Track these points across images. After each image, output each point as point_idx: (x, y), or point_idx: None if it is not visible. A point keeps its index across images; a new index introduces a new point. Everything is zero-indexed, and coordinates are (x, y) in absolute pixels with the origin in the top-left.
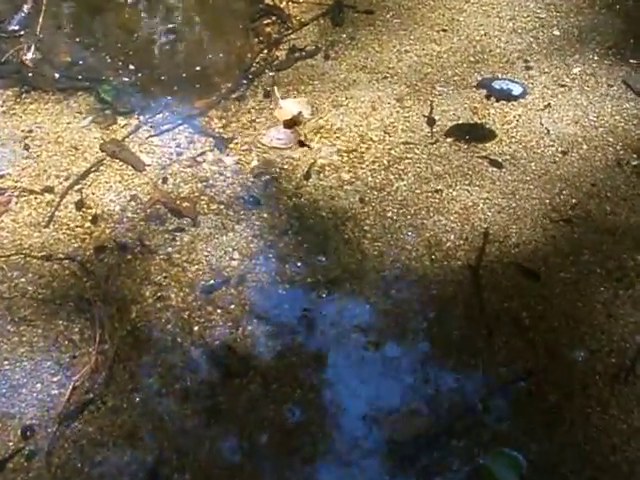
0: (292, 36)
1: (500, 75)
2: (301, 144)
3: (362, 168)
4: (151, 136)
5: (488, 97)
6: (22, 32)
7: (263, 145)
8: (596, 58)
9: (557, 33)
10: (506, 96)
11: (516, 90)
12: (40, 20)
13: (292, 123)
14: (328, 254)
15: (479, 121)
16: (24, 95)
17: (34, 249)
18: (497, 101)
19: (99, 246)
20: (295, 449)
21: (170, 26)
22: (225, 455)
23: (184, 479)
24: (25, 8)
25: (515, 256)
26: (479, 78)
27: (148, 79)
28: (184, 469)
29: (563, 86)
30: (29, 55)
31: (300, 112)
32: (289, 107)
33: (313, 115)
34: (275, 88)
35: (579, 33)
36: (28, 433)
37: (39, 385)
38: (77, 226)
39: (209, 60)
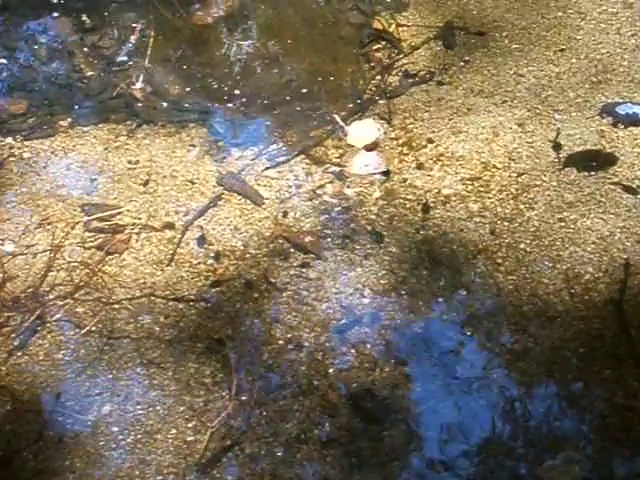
0: (403, 61)
1: (625, 97)
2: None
3: (489, 197)
4: (267, 168)
5: (615, 124)
6: (130, 63)
7: (360, 175)
8: None
9: None
10: (633, 121)
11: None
12: (148, 52)
13: (373, 146)
14: (462, 290)
15: (607, 144)
16: (136, 129)
17: (158, 288)
18: (625, 127)
19: (224, 284)
20: None
21: (279, 55)
22: None
23: None
24: (132, 39)
25: None
26: (603, 99)
27: (260, 109)
28: None
29: None
30: (138, 86)
31: (376, 133)
32: (358, 131)
33: (386, 133)
34: (336, 115)
35: None
36: None
37: (174, 431)
38: (200, 263)
39: (321, 88)
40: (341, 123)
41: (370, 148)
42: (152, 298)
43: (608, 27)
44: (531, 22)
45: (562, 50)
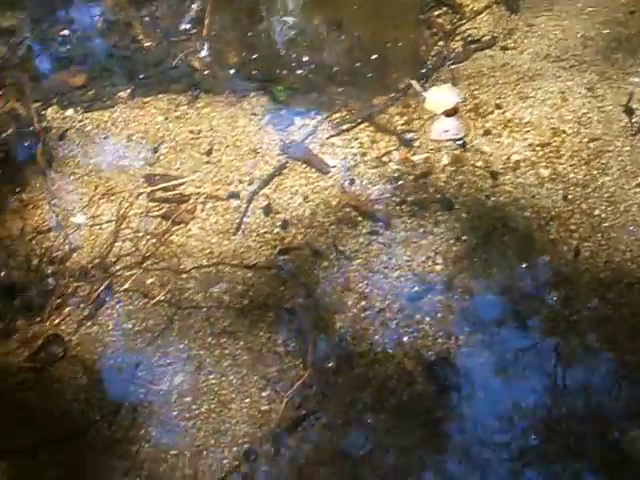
0: (466, 26)
1: None
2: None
3: (561, 163)
4: (331, 136)
5: None
6: (189, 33)
7: (439, 141)
8: None
9: None
10: None
11: None
12: (206, 21)
13: (453, 112)
14: (536, 257)
15: None
16: (197, 99)
17: (226, 257)
18: None
19: (292, 252)
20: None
21: (340, 21)
22: (446, 474)
23: None
24: (194, 6)
25: None
26: None
27: (322, 76)
28: None
29: None
30: (199, 55)
31: (455, 98)
32: (436, 96)
33: (465, 98)
34: (414, 81)
35: None
36: (249, 456)
37: (248, 400)
38: (267, 232)
39: (383, 55)
40: (419, 89)
41: (450, 114)
42: (220, 267)
43: None
44: None
45: (632, 12)
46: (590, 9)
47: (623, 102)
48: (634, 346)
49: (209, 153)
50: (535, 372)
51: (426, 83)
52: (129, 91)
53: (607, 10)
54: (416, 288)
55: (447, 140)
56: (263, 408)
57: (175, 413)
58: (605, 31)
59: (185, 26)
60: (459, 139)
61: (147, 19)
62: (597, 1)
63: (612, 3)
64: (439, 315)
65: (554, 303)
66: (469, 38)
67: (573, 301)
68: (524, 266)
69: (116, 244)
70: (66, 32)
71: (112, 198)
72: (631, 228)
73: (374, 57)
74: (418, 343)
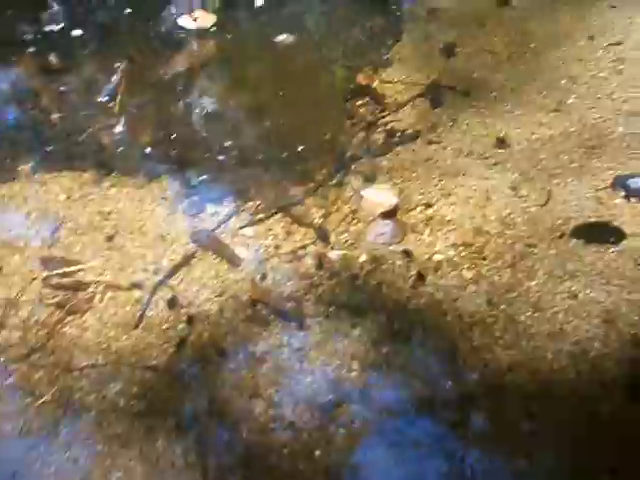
0: (388, 118)
1: (622, 163)
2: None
3: (485, 265)
4: (244, 226)
5: (613, 187)
6: (100, 109)
7: (375, 244)
8: None
9: None
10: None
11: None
12: (119, 98)
13: (391, 214)
14: (458, 365)
15: (606, 212)
16: (104, 178)
17: (124, 354)
18: (626, 197)
19: (197, 352)
20: None
21: (260, 105)
22: None
23: None
24: (106, 83)
25: None
26: (598, 165)
27: (238, 162)
28: None
29: None
30: (110, 132)
31: (393, 200)
32: (374, 196)
33: (404, 200)
34: (352, 178)
35: None
36: None
37: None
38: (170, 328)
39: (302, 143)
40: (355, 186)
41: (387, 215)
42: (117, 365)
43: (600, 91)
44: (521, 83)
45: (555, 111)
46: (513, 108)
47: (545, 203)
48: (559, 465)
49: (113, 238)
50: None
51: (346, 175)
52: (31, 165)
53: (530, 109)
54: (330, 396)
55: (383, 244)
56: None
57: None
58: (528, 130)
59: (97, 100)
60: (396, 243)
61: (58, 90)
62: (519, 101)
63: (534, 103)
64: (354, 427)
65: (477, 416)
66: (392, 131)
67: (496, 415)
68: (445, 375)
69: (1, 333)
70: None
71: (2, 281)
72: (557, 337)
73: (293, 145)
74: (330, 459)
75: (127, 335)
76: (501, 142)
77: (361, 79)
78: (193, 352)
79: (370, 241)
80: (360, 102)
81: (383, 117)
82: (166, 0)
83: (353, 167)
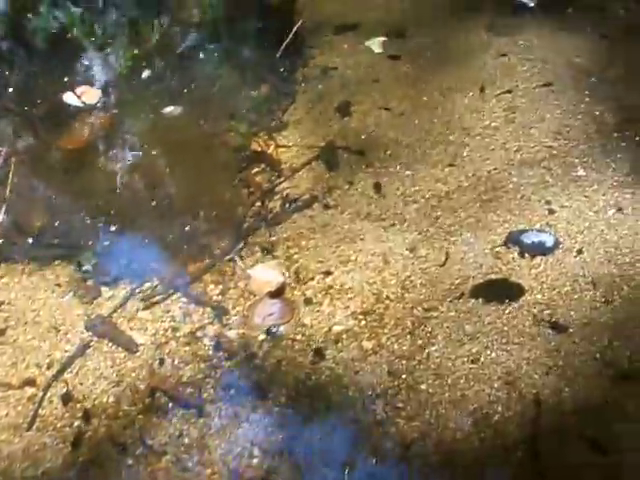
0: (285, 184)
1: (517, 214)
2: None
3: (384, 334)
4: (141, 309)
5: (506, 244)
6: None
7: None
8: (615, 185)
9: (570, 161)
10: (534, 248)
11: (547, 239)
12: (9, 180)
13: (277, 292)
14: (361, 443)
15: (503, 268)
16: None
17: (15, 458)
18: (520, 253)
19: (94, 449)
20: None
21: (153, 180)
22: None
23: None
24: None
25: (575, 426)
26: (495, 219)
27: (132, 242)
28: None
29: (587, 221)
30: None
31: (280, 278)
32: (261, 275)
33: (292, 277)
34: (237, 257)
35: (592, 161)
36: None
37: None
38: (65, 426)
39: (198, 217)
40: (242, 265)
41: (274, 295)
42: (8, 471)
43: (493, 142)
44: (415, 139)
45: (450, 166)
46: (408, 165)
47: (444, 262)
48: None
49: (4, 332)
50: None
51: (244, 248)
52: None
53: (425, 166)
54: None
55: (271, 325)
56: None
57: None
58: (424, 187)
59: None
60: (283, 324)
61: None
62: (414, 157)
63: (429, 159)
64: None
65: None
66: (288, 197)
67: None
68: (349, 456)
69: None
70: None
71: None
72: (459, 404)
73: (188, 220)
74: None
75: (20, 437)
76: (398, 203)
77: (256, 146)
78: (89, 450)
79: (258, 323)
80: (256, 170)
81: (279, 184)
82: (51, 77)
83: (250, 239)
